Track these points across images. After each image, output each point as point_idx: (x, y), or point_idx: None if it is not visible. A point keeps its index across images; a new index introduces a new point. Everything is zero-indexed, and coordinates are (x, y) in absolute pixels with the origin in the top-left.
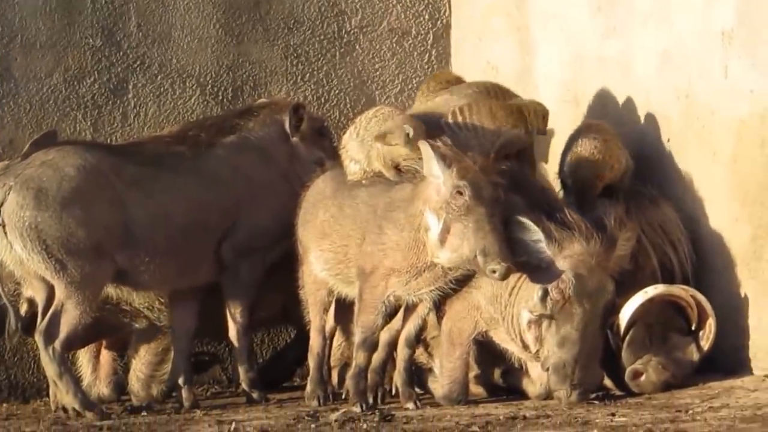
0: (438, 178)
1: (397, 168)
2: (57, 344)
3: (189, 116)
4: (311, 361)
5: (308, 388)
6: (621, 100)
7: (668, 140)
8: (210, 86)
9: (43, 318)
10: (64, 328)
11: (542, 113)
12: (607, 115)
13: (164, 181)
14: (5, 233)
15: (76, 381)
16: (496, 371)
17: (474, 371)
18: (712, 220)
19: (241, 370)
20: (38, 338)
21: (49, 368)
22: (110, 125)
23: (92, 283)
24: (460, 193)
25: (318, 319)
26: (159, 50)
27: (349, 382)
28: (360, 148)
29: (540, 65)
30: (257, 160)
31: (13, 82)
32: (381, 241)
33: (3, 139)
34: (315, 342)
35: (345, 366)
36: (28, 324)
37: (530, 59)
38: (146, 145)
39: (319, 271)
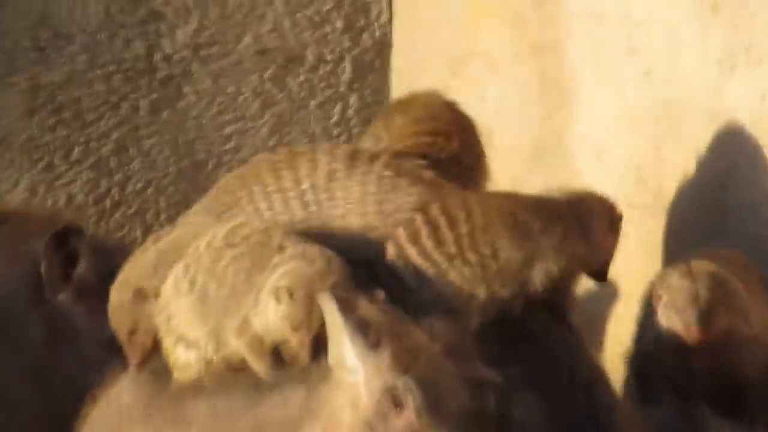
0: (355, 373)
1: (276, 355)
2: None
3: None
4: None
5: None
6: (759, 199)
7: None
8: None
9: None
10: None
11: (609, 210)
12: (729, 231)
13: None
14: None
15: None
16: None
17: None
18: None
19: None
20: None
21: None
22: None
23: None
24: (398, 405)
25: None
26: None
27: None
28: (198, 312)
29: (584, 127)
30: None
31: None
32: None
33: None
34: None
35: None
36: None
37: (563, 115)
38: None
39: None
